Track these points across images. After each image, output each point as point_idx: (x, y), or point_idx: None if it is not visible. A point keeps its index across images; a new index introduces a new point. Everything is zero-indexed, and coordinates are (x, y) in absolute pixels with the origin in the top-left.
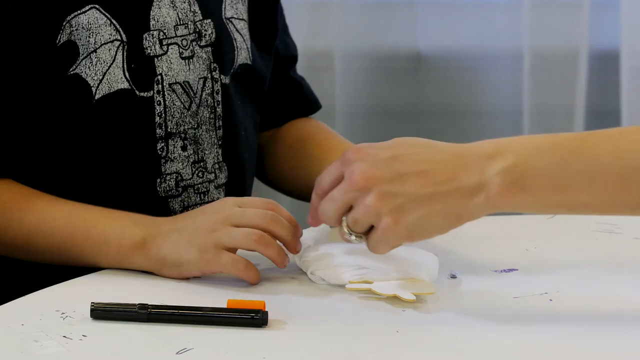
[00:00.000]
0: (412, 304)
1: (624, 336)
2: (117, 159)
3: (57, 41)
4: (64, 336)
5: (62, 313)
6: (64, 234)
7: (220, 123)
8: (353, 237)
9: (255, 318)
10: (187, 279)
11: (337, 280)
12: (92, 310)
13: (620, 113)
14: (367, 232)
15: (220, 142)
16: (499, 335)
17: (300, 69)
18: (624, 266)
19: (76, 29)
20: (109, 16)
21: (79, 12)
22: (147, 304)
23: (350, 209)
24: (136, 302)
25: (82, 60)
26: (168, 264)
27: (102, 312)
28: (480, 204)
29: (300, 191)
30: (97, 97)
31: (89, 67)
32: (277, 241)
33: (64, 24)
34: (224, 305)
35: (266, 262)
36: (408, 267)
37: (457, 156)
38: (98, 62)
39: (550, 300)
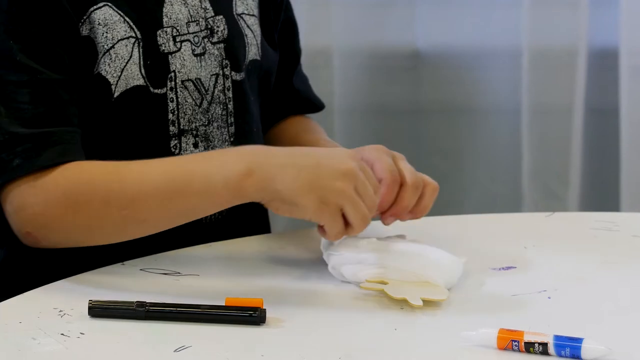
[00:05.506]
0: None
1: (622, 335)
2: (132, 157)
3: (81, 32)
4: (62, 334)
5: (60, 311)
6: (167, 188)
7: (232, 120)
8: None
9: (253, 316)
10: (184, 273)
11: (355, 277)
12: (89, 308)
13: (619, 111)
14: None
15: (232, 139)
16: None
17: None
18: (623, 264)
19: (94, 26)
20: (121, 14)
21: (94, 7)
22: (144, 302)
23: None
24: (134, 300)
25: (102, 58)
26: (281, 199)
27: (99, 310)
28: None
29: None
30: (115, 94)
31: (108, 64)
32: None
33: (84, 18)
34: (222, 303)
35: (264, 259)
36: (426, 270)
37: None
38: (117, 59)
39: (549, 298)
